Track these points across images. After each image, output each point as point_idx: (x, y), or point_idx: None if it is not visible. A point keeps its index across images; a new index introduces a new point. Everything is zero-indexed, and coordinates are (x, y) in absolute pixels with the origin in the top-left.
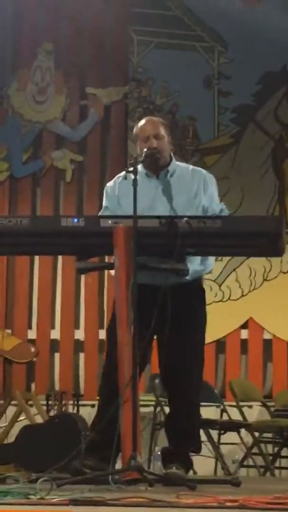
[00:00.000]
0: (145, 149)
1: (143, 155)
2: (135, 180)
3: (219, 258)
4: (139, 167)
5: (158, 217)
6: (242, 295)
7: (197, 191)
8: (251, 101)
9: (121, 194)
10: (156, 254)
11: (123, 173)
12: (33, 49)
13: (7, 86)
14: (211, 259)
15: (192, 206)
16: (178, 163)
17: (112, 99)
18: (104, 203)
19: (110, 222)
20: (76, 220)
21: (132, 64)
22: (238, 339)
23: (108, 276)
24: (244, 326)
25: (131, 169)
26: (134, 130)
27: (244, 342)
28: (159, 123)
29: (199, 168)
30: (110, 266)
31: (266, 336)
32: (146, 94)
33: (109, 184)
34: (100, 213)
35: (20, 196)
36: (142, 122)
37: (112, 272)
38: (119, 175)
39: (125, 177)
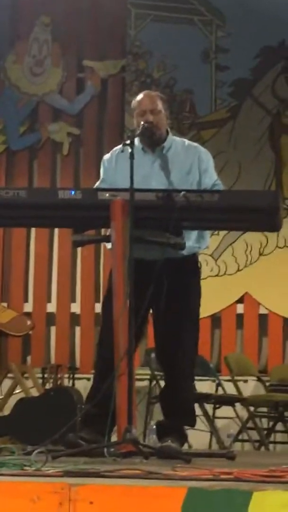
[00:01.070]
0: (142, 123)
1: (140, 129)
2: (131, 153)
3: (216, 232)
4: (136, 141)
5: (156, 190)
6: (238, 270)
7: (191, 166)
8: (249, 75)
9: (118, 168)
10: (153, 227)
11: (120, 146)
12: (31, 22)
13: (4, 58)
14: (207, 236)
15: (186, 182)
16: (174, 137)
17: (109, 72)
18: (101, 175)
19: (107, 195)
20: (73, 192)
21: (129, 37)
22: (234, 313)
23: (104, 249)
24: (240, 300)
25: (128, 142)
26: (132, 103)
27: (239, 317)
28: (156, 98)
29: (195, 144)
30: (107, 239)
31: (262, 311)
32: (144, 67)
33: (106, 156)
34: (96, 185)
35: (17, 169)
36: (140, 96)
37: (108, 245)
38: (116, 148)
39: (121, 150)
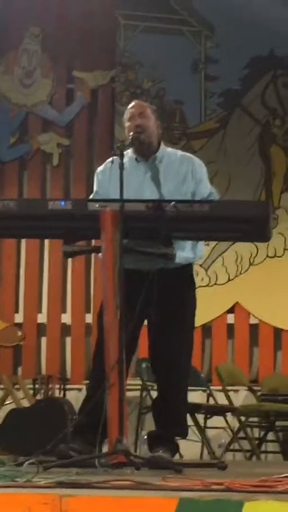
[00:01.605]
0: (131, 133)
1: (129, 138)
2: (121, 164)
3: (206, 242)
4: (129, 151)
5: (145, 200)
6: (229, 280)
7: (185, 177)
8: (238, 86)
9: (111, 178)
10: (143, 238)
11: (113, 157)
12: (20, 32)
13: None
14: (201, 246)
15: (180, 193)
16: (167, 149)
17: (99, 83)
18: (95, 188)
19: (97, 205)
20: (63, 203)
21: (119, 48)
22: (225, 323)
23: (95, 260)
24: (231, 310)
25: (118, 152)
26: (124, 115)
27: (230, 327)
28: (146, 106)
29: (189, 154)
30: (97, 250)
31: (253, 320)
32: (133, 78)
33: (100, 168)
34: (90, 197)
35: (7, 180)
36: (130, 104)
37: (100, 255)
38: (109, 160)
39: (111, 161)
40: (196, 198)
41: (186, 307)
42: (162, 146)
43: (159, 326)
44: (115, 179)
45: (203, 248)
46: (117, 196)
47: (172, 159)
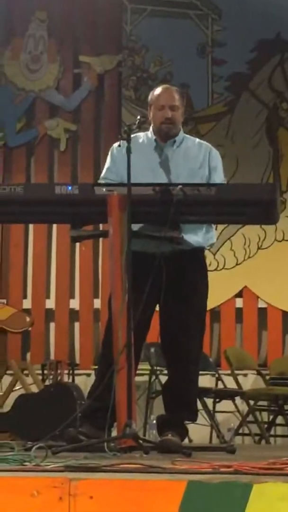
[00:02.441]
0: (138, 117)
1: (136, 122)
2: (128, 147)
3: (214, 226)
4: (149, 133)
5: (152, 184)
6: (237, 264)
7: (202, 162)
8: (245, 69)
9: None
10: (150, 221)
11: (132, 135)
12: (26, 18)
13: (0, 55)
14: (213, 231)
15: (197, 176)
16: (185, 135)
17: (105, 68)
18: (107, 163)
19: (104, 190)
20: (70, 188)
21: (125, 32)
22: (233, 307)
23: (103, 245)
24: (239, 294)
25: (125, 137)
26: (150, 96)
27: (239, 311)
28: (175, 93)
29: (205, 142)
30: (105, 234)
31: (261, 304)
32: (140, 62)
33: (116, 145)
34: (102, 174)
35: (14, 165)
36: (159, 90)
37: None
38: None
39: (119, 145)
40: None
41: (198, 291)
42: (181, 131)
43: (170, 310)
44: (133, 159)
45: (215, 233)
46: (133, 175)
47: (190, 144)
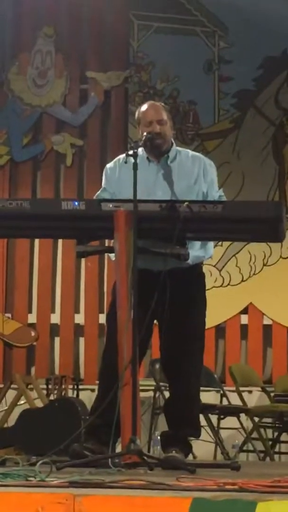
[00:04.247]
0: (145, 133)
1: (143, 139)
2: (135, 164)
3: (219, 243)
4: (140, 151)
5: (159, 201)
6: (242, 280)
7: (197, 177)
8: (252, 86)
9: (121, 178)
10: (157, 238)
11: (123, 155)
12: (34, 33)
13: (7, 70)
14: (211, 244)
15: (192, 192)
16: (178, 148)
17: (112, 84)
18: (102, 184)
19: (110, 205)
20: (76, 203)
21: (132, 48)
22: (238, 324)
23: (108, 260)
24: (244, 311)
25: (131, 152)
26: (136, 114)
27: (244, 328)
28: (161, 108)
29: (199, 154)
30: (110, 250)
31: (266, 321)
32: (146, 78)
33: (109, 165)
34: (96, 194)
35: (20, 180)
36: (145, 106)
37: (112, 256)
38: (119, 157)
39: (125, 161)
40: (206, 198)
41: (196, 306)
42: (174, 146)
43: (169, 325)
44: (125, 177)
45: (212, 248)
46: (128, 195)
47: (184, 159)
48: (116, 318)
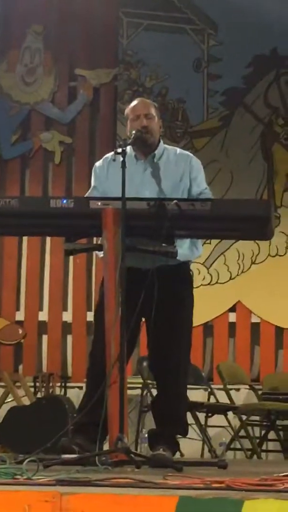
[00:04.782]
0: (134, 131)
1: (132, 136)
2: (123, 162)
3: (208, 241)
4: (128, 149)
5: (147, 199)
6: (230, 279)
7: (182, 174)
8: (241, 84)
9: (110, 176)
10: (145, 236)
11: (111, 153)
12: (23, 30)
13: None
14: (200, 244)
15: (178, 189)
16: (166, 146)
17: (101, 81)
18: (92, 183)
19: (99, 203)
20: (65, 201)
21: (121, 46)
22: (226, 322)
23: (97, 258)
24: (232, 309)
25: (119, 150)
26: (126, 110)
27: (232, 326)
28: (150, 104)
29: (186, 152)
30: (99, 248)
31: (254, 319)
32: (136, 76)
33: (98, 163)
34: (88, 193)
35: (8, 177)
36: (134, 102)
37: (100, 254)
38: (107, 155)
39: (113, 159)
40: (189, 195)
41: (184, 305)
42: (161, 143)
43: (156, 324)
44: (114, 175)
45: (201, 247)
46: (116, 193)
47: (171, 157)
48: (103, 316)
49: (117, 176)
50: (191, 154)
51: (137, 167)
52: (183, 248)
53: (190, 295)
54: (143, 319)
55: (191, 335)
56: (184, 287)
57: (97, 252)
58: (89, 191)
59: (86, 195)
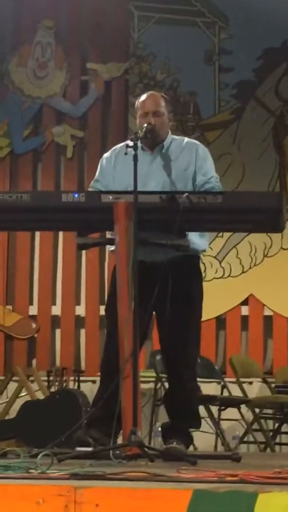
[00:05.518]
0: (145, 125)
1: (143, 131)
2: (135, 156)
3: (220, 234)
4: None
5: (159, 192)
6: (243, 272)
7: (188, 163)
8: (252, 77)
9: (116, 167)
10: (157, 229)
11: (120, 145)
12: (34, 25)
13: (8, 61)
14: (206, 237)
15: (184, 179)
16: (174, 136)
17: (112, 75)
18: (96, 174)
19: (110, 197)
20: (76, 195)
21: (132, 39)
22: (239, 315)
23: (109, 252)
24: (245, 302)
25: (131, 143)
26: (136, 104)
27: (244, 319)
28: (160, 99)
29: (193, 141)
30: (111, 242)
31: (267, 312)
32: (147, 69)
33: (106, 155)
34: (90, 185)
35: (21, 172)
36: (143, 97)
37: (111, 247)
38: (116, 147)
39: (125, 153)
40: (194, 184)
41: (193, 298)
42: (169, 134)
43: (166, 318)
44: (121, 167)
45: (207, 240)
46: (122, 184)
47: (178, 146)
48: (114, 310)
49: (124, 167)
50: (198, 143)
51: (144, 158)
52: (192, 242)
53: (199, 288)
54: (154, 312)
55: (200, 329)
56: (193, 281)
57: (108, 245)
58: (92, 183)
59: (90, 184)
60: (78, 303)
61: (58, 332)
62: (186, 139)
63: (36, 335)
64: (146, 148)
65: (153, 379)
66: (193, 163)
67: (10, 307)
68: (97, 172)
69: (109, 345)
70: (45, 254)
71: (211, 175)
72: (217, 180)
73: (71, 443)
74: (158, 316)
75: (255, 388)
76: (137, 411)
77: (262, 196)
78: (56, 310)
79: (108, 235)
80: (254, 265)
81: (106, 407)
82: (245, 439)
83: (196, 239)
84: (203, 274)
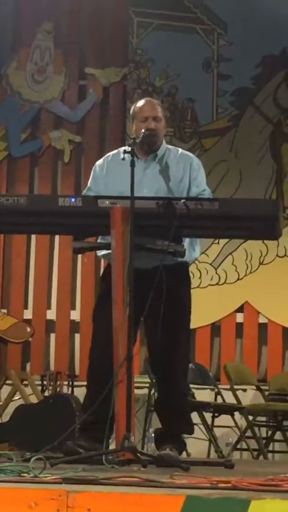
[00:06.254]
0: (143, 130)
1: (142, 136)
2: (132, 161)
3: (216, 241)
4: (127, 147)
5: (156, 198)
6: (238, 279)
7: (183, 175)
8: (250, 84)
9: (109, 174)
10: (153, 235)
11: (113, 152)
12: (33, 29)
13: (6, 65)
14: (198, 246)
15: (177, 190)
16: (168, 146)
17: (111, 80)
18: (88, 183)
19: (107, 202)
20: (73, 199)
21: (131, 45)
22: (234, 322)
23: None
24: (240, 309)
25: (128, 149)
26: (132, 109)
27: (239, 326)
28: (157, 105)
29: (188, 153)
30: (107, 247)
31: (262, 320)
32: (145, 75)
33: (99, 162)
34: (83, 193)
35: (18, 176)
36: (141, 102)
37: (99, 252)
38: (109, 154)
39: (122, 158)
40: (188, 194)
41: (182, 304)
42: (163, 143)
43: (154, 324)
44: (114, 173)
45: (199, 248)
46: (115, 190)
47: (172, 157)
48: (104, 314)
49: (117, 173)
50: (192, 155)
51: (138, 165)
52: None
53: (187, 295)
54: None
55: (189, 335)
56: (181, 287)
57: (97, 250)
58: (84, 191)
59: (83, 192)
60: (73, 308)
61: (52, 336)
62: (180, 150)
63: (30, 339)
64: (139, 155)
65: (147, 384)
66: (188, 175)
67: (5, 310)
68: (90, 180)
69: (95, 350)
70: (41, 258)
71: (203, 187)
72: (210, 193)
73: (63, 450)
74: (147, 322)
75: (249, 396)
76: (130, 416)
77: (259, 203)
78: (51, 314)
79: (99, 239)
80: (250, 273)
81: (97, 413)
82: (238, 446)
83: (186, 248)
84: (199, 281)
